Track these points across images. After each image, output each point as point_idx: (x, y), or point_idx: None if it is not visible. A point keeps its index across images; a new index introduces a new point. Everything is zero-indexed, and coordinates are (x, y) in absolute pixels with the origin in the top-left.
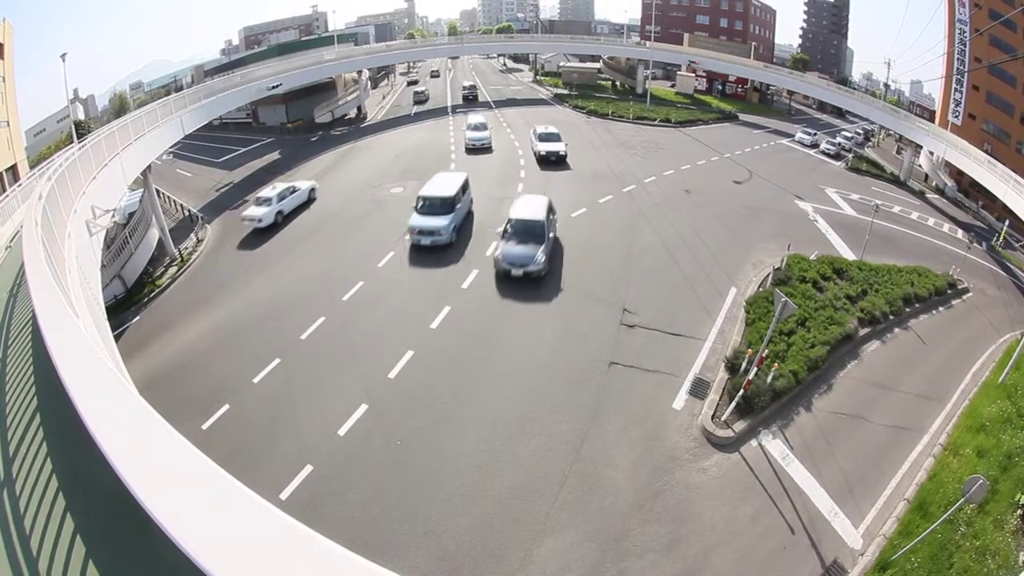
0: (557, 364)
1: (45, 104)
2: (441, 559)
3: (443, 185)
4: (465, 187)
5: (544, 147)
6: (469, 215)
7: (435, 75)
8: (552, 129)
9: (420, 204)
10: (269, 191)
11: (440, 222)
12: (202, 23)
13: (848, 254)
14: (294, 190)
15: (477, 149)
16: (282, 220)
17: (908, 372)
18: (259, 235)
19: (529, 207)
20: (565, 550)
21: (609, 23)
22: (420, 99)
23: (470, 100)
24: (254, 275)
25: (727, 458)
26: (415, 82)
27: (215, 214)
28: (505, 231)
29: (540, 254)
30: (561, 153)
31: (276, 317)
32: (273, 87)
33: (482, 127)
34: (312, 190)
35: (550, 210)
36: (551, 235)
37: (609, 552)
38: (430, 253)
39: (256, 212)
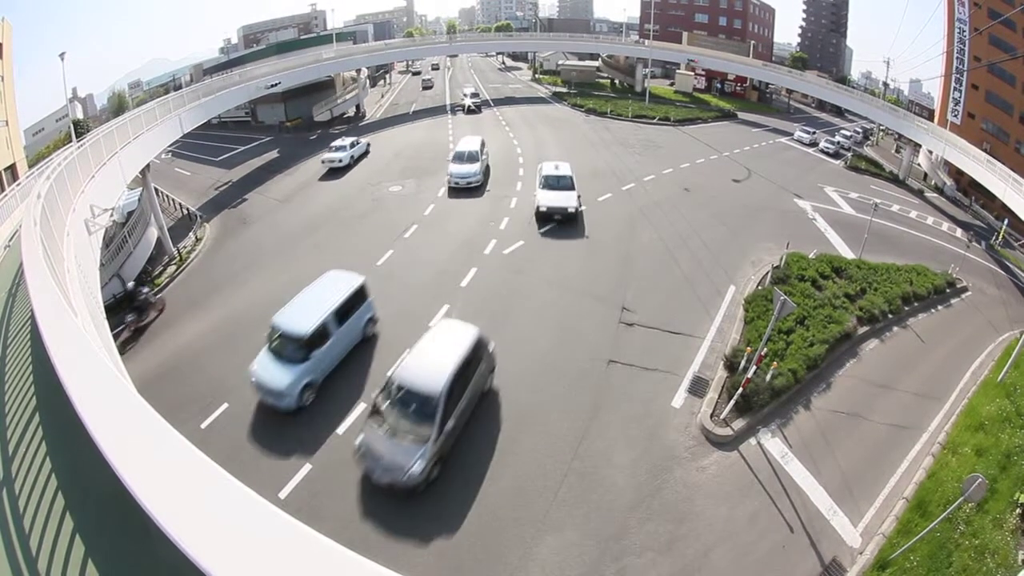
0: (556, 362)
1: (44, 103)
2: (440, 558)
3: (309, 308)
4: (350, 305)
5: (546, 199)
6: (368, 342)
7: (435, 68)
8: (564, 170)
9: (271, 337)
10: (342, 142)
11: (282, 379)
12: (201, 22)
13: (847, 253)
14: (358, 142)
15: (461, 189)
16: (352, 162)
17: (907, 371)
18: (334, 174)
19: (432, 359)
20: (564, 548)
21: (608, 21)
22: (427, 85)
23: (473, 111)
24: (253, 273)
25: (726, 456)
26: (418, 72)
27: (214, 212)
28: (381, 397)
29: (417, 461)
30: (570, 210)
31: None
32: (272, 86)
33: (472, 157)
34: (368, 145)
35: (472, 357)
36: (451, 422)
37: (608, 550)
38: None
39: (336, 155)
